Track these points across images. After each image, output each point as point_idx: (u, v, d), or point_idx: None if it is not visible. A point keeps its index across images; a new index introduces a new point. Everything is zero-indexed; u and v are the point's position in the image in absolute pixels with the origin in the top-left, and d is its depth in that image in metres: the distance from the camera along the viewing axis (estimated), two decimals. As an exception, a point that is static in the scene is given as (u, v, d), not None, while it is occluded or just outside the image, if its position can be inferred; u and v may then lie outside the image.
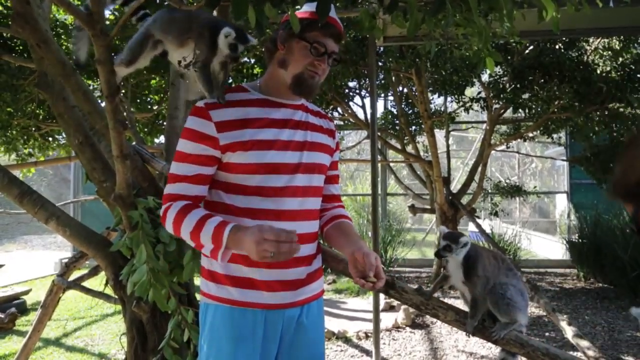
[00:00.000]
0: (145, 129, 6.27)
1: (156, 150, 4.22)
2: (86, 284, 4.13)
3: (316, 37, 1.63)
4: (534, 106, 6.52)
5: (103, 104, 2.60)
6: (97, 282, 5.76)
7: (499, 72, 6.67)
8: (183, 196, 1.58)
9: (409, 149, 8.03)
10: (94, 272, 3.97)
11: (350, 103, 7.79)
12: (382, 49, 6.30)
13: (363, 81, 7.52)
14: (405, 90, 7.69)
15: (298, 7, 1.61)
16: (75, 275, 4.09)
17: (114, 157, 2.52)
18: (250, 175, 1.58)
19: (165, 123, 6.95)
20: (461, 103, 7.36)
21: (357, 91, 7.82)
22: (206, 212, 1.55)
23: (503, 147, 8.56)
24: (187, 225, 1.52)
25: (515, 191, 7.96)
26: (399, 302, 2.46)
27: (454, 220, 7.39)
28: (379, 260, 1.58)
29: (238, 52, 1.60)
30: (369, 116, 7.63)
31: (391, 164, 9.59)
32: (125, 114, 4.96)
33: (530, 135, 7.68)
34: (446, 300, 6.43)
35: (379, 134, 7.83)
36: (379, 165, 8.59)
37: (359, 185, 14.94)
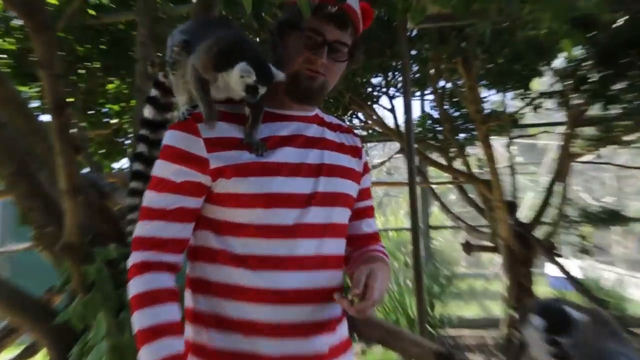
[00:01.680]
0: (102, 150, 6.29)
1: (118, 180, 4.25)
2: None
3: (311, 24, 1.69)
4: (630, 99, 6.46)
5: (44, 118, 2.65)
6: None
7: (580, 54, 6.62)
8: (161, 241, 1.58)
9: (457, 164, 7.99)
10: (29, 352, 3.94)
11: (375, 106, 7.82)
12: (415, 32, 6.33)
13: (391, 76, 7.54)
14: (449, 85, 7.68)
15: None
16: (3, 357, 4.08)
17: (62, 191, 2.55)
18: (249, 209, 1.59)
19: (129, 142, 7.03)
20: (527, 100, 7.34)
21: (384, 90, 7.86)
22: (174, 319, 1.55)
23: (589, 156, 8.48)
24: (141, 319, 1.53)
25: (611, 218, 7.84)
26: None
27: (527, 261, 7.30)
28: (375, 278, 1.58)
29: (258, 96, 1.61)
30: (401, 123, 7.65)
31: (434, 186, 9.55)
32: (75, 130, 5.04)
33: (628, 139, 7.57)
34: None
35: (416, 145, 7.83)
36: (418, 188, 8.54)
37: (390, 216, 14.88)
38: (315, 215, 1.65)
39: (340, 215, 1.75)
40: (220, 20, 2.17)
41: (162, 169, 1.62)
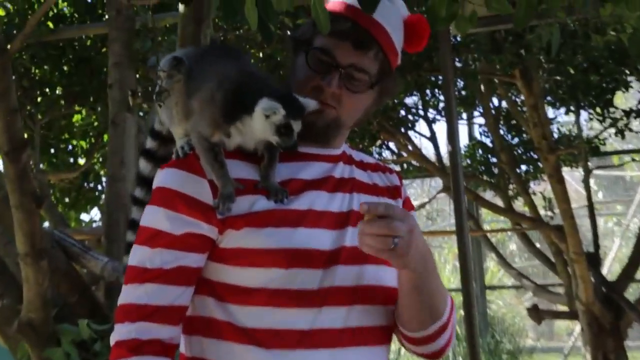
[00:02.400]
0: (67, 200, 6.35)
1: (89, 237, 4.27)
2: None
3: (320, 41, 1.70)
4: None
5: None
6: None
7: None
8: (155, 310, 1.54)
9: (519, 205, 7.94)
10: None
11: (411, 133, 7.83)
12: (458, 38, 6.37)
13: (431, 96, 7.57)
14: (505, 105, 7.69)
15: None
16: None
17: (20, 255, 2.56)
18: (264, 270, 1.58)
19: (102, 188, 7.01)
20: (608, 120, 7.33)
21: (421, 112, 7.89)
22: None
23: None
24: None
25: None
26: None
27: (616, 331, 7.20)
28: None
29: (295, 136, 1.61)
30: (444, 154, 7.66)
31: (489, 235, 9.51)
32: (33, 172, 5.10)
33: None
34: None
35: (465, 183, 7.80)
36: (470, 237, 8.48)
37: (434, 273, 14.84)
38: (343, 276, 1.63)
39: (375, 274, 1.71)
40: (221, 48, 2.18)
41: (156, 218, 1.61)
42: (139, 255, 1.61)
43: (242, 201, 1.60)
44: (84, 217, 6.65)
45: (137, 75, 4.22)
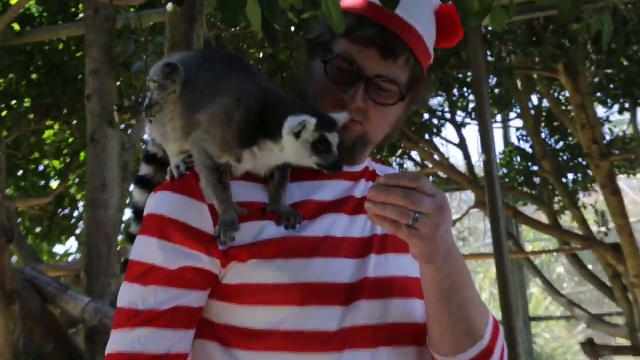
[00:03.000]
0: (37, 230, 6.37)
1: (67, 273, 4.27)
2: None
3: (342, 47, 1.70)
4: None
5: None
6: None
7: None
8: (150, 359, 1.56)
9: (566, 221, 7.91)
10: None
11: (437, 140, 7.82)
12: (490, 27, 6.30)
13: (458, 95, 7.58)
14: (547, 104, 7.67)
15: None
16: None
17: (-12, 298, 2.57)
18: (275, 309, 1.58)
19: (79, 215, 7.02)
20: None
21: (448, 115, 7.90)
22: None
23: None
24: None
25: None
26: None
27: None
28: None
29: (335, 151, 1.59)
30: (476, 163, 7.66)
31: (532, 257, 9.48)
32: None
33: None
34: None
35: (502, 197, 7.78)
36: (509, 259, 8.47)
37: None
38: (367, 313, 1.62)
39: (403, 309, 1.69)
40: (226, 56, 2.17)
41: (148, 250, 1.60)
42: (130, 295, 1.59)
43: (248, 229, 1.59)
44: (59, 249, 6.67)
45: (119, 83, 4.24)
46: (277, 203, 1.64)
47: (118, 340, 1.58)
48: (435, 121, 7.82)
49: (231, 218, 1.57)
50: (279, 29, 1.50)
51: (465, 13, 1.84)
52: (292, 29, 4.77)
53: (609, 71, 6.63)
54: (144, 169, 1.93)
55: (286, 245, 1.59)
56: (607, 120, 7.92)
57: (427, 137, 7.64)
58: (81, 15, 4.70)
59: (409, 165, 8.02)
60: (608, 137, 7.49)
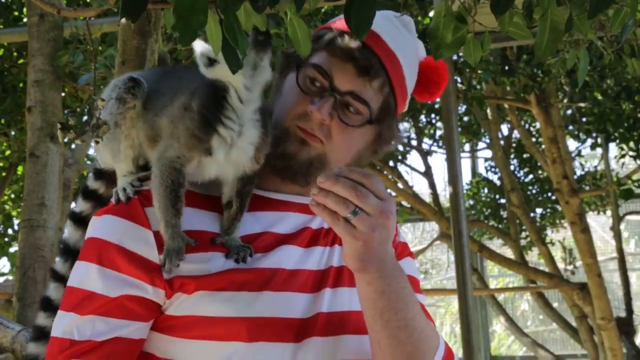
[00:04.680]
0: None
1: (2, 297, 4.21)
2: None
3: (318, 58, 1.74)
4: None
5: None
6: None
7: None
8: None
9: (533, 257, 7.97)
10: None
11: (402, 167, 7.85)
12: (460, 55, 6.36)
13: (425, 121, 7.64)
14: (517, 134, 7.75)
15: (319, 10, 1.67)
16: None
17: None
18: (221, 344, 1.58)
19: (13, 233, 6.97)
20: (644, 156, 7.42)
21: (414, 142, 7.96)
22: None
23: None
24: None
25: None
26: None
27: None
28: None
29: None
30: (442, 194, 7.70)
31: (497, 295, 9.56)
32: None
33: None
34: None
35: (467, 230, 7.84)
36: (471, 295, 8.53)
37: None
38: (319, 350, 1.63)
39: (357, 347, 1.71)
40: (182, 68, 2.20)
41: (87, 276, 1.60)
42: (65, 324, 1.58)
43: (195, 258, 1.60)
44: (-9, 270, 6.59)
45: (63, 94, 4.21)
46: (229, 235, 1.65)
47: None
48: (400, 147, 7.87)
49: (177, 246, 1.57)
50: (241, 54, 1.49)
51: (438, 45, 1.86)
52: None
53: (582, 104, 6.73)
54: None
55: (235, 278, 1.60)
56: (579, 154, 8.04)
57: (391, 163, 7.69)
58: (25, 20, 4.66)
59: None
60: (579, 172, 7.60)
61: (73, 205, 3.97)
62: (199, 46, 1.60)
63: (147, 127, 1.73)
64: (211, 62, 1.57)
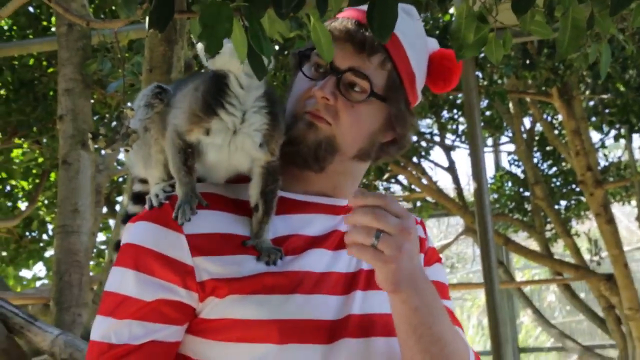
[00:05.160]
0: (3, 253, 6.36)
1: (34, 302, 4.23)
2: None
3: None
4: None
5: None
6: None
7: None
8: None
9: (558, 249, 7.93)
10: None
11: (425, 164, 7.84)
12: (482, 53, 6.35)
13: (448, 117, 7.64)
14: (540, 127, 7.72)
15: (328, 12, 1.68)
16: None
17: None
18: (253, 346, 1.58)
19: (48, 238, 6.95)
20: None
21: (437, 138, 7.94)
22: None
23: None
24: None
25: None
26: None
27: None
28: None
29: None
30: (465, 187, 7.69)
31: (523, 287, 9.51)
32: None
33: None
34: None
35: (492, 224, 7.80)
36: (498, 287, 8.50)
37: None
38: (350, 352, 1.63)
39: (387, 349, 1.70)
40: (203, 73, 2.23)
41: (123, 281, 1.61)
42: (103, 328, 1.60)
43: (227, 261, 1.60)
44: (26, 273, 6.61)
45: (93, 100, 4.23)
46: (259, 237, 1.65)
47: None
48: (423, 143, 7.85)
49: (190, 202, 1.61)
50: (268, 60, 1.50)
51: (460, 45, 1.86)
52: (277, 47, 4.81)
53: (605, 96, 6.67)
54: (132, 209, 1.93)
55: (266, 281, 1.60)
56: (602, 145, 7.98)
57: (415, 160, 7.66)
58: (53, 30, 4.68)
59: (396, 189, 8.04)
60: (602, 163, 7.54)
61: (104, 210, 3.99)
62: (199, 48, 1.63)
63: (163, 120, 1.75)
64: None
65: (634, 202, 7.97)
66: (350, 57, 1.71)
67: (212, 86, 1.64)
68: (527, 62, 6.08)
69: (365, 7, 1.65)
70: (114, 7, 4.81)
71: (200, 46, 1.63)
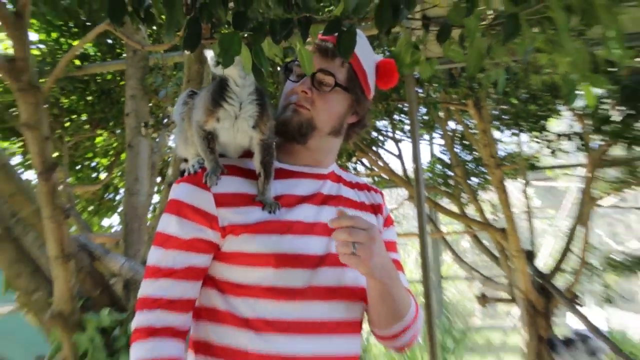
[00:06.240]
0: (90, 208, 6.33)
1: (109, 241, 4.24)
2: None
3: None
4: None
5: (28, 176, 2.65)
6: None
7: (599, 93, 6.66)
8: (168, 302, 1.57)
9: (470, 211, 7.97)
10: None
11: (381, 152, 7.84)
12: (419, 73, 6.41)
13: (398, 119, 7.61)
14: (460, 128, 7.74)
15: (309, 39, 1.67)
16: None
17: (50, 258, 2.54)
18: (258, 269, 1.59)
19: (119, 198, 7.02)
20: (544, 142, 7.38)
21: (390, 134, 7.92)
22: None
23: (613, 200, 8.50)
24: None
25: (636, 265, 7.83)
26: None
27: (547, 313, 7.23)
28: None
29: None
30: (409, 169, 7.68)
31: (446, 236, 9.52)
32: (61, 187, 5.06)
33: (654, 181, 7.59)
34: None
35: (425, 193, 7.82)
36: (429, 238, 8.52)
37: (400, 267, 14.84)
38: (326, 277, 1.64)
39: (354, 277, 1.71)
40: None
41: (169, 224, 1.62)
42: (155, 256, 1.62)
43: (241, 211, 1.61)
44: (105, 222, 6.61)
45: (150, 104, 4.20)
46: (263, 195, 1.65)
47: (146, 288, 1.60)
48: (380, 138, 7.83)
49: (215, 171, 1.63)
50: (265, 72, 1.51)
51: (400, 64, 1.86)
52: (278, 68, 4.83)
53: (504, 107, 6.70)
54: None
55: (267, 226, 1.61)
56: (501, 141, 7.96)
57: (374, 149, 7.65)
58: (124, 55, 4.66)
59: (361, 169, 8.03)
60: (501, 153, 7.53)
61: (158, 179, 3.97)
62: (209, 54, 1.64)
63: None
64: (217, 63, 1.57)
65: (519, 179, 8.00)
66: (319, 61, 1.73)
67: (217, 88, 1.65)
68: (452, 82, 6.10)
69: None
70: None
71: (210, 59, 1.63)
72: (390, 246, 1.85)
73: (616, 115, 6.43)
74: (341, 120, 1.80)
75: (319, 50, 1.73)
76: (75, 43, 4.07)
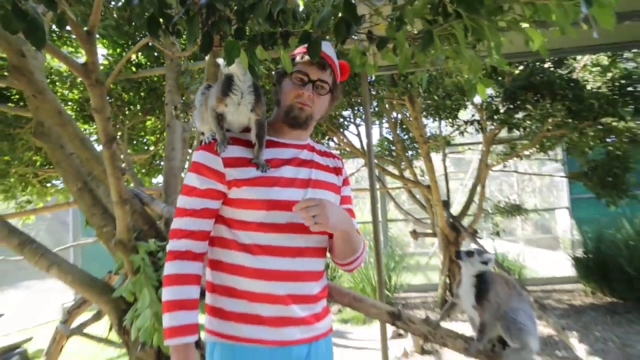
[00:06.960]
0: (143, 170, 6.25)
1: (155, 192, 4.22)
2: (90, 328, 4.07)
3: (299, 67, 1.70)
4: (528, 125, 6.57)
5: (100, 149, 2.63)
6: (101, 327, 5.65)
7: (492, 94, 6.75)
8: (190, 233, 1.57)
9: (407, 174, 8.02)
10: (97, 317, 3.92)
11: (346, 132, 7.85)
12: (373, 77, 6.39)
13: (357, 110, 7.60)
14: (400, 116, 7.74)
15: (289, 48, 1.65)
16: (78, 320, 4.03)
17: (113, 202, 2.53)
18: (254, 211, 1.59)
19: (162, 164, 7.03)
20: (456, 126, 7.43)
21: (352, 120, 7.90)
22: (192, 297, 1.54)
23: (500, 166, 8.60)
24: (168, 294, 1.53)
25: (515, 210, 7.95)
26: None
27: (456, 242, 7.34)
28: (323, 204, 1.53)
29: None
30: (365, 144, 7.68)
31: (390, 191, 9.57)
32: (122, 156, 4.99)
33: (527, 153, 7.69)
34: (454, 325, 6.33)
35: (375, 161, 7.86)
36: (378, 192, 8.59)
37: (358, 213, 14.85)
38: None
39: None
40: None
41: (191, 179, 1.61)
42: (182, 201, 1.61)
43: (242, 171, 1.60)
44: (154, 180, 6.57)
45: (183, 98, 4.14)
46: (257, 159, 1.63)
47: (175, 223, 1.60)
48: (345, 123, 7.80)
49: (223, 141, 1.61)
50: (258, 70, 1.49)
51: (352, 65, 1.84)
52: (273, 72, 4.80)
53: (429, 102, 6.68)
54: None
55: (260, 180, 1.59)
56: (427, 125, 7.95)
57: (341, 130, 7.63)
58: (164, 63, 4.59)
59: (331, 144, 8.00)
60: (428, 134, 7.54)
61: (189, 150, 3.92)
62: (220, 61, 1.61)
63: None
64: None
65: (441, 153, 8.00)
66: (317, 72, 1.69)
67: (225, 83, 1.62)
68: (393, 83, 6.07)
69: (325, 47, 1.70)
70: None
71: (221, 62, 1.60)
72: (346, 199, 1.86)
73: (502, 109, 6.49)
74: (327, 111, 1.80)
75: (317, 64, 1.69)
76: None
